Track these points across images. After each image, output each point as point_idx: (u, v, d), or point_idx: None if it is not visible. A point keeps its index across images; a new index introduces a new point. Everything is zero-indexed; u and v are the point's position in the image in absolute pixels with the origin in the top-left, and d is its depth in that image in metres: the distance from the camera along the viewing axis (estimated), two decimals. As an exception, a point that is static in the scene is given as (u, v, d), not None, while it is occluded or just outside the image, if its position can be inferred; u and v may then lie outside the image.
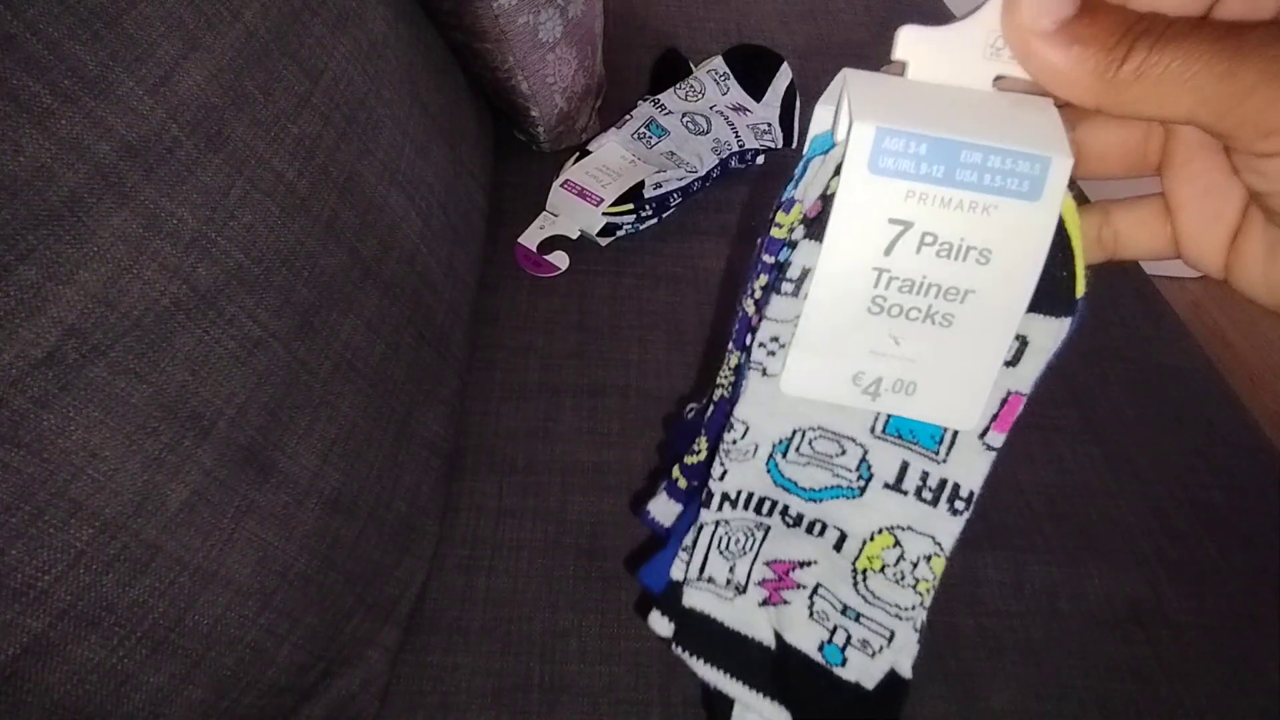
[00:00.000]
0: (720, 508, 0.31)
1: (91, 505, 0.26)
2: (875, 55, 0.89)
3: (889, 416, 0.27)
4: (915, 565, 0.28)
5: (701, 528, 0.31)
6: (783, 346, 0.26)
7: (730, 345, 0.29)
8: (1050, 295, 0.23)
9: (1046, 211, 0.21)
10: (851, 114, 0.21)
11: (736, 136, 0.70)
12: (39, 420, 0.25)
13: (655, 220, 0.66)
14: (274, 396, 0.34)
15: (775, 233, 0.25)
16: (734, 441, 0.29)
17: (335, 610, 0.38)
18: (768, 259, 0.25)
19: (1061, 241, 0.22)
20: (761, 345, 0.26)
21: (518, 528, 0.48)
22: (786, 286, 0.24)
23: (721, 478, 0.30)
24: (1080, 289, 0.23)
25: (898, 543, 0.29)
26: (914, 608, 0.29)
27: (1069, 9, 0.19)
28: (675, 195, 0.65)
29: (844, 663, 0.30)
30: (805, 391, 0.26)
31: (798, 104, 0.74)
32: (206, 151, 0.31)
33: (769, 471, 0.29)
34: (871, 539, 0.29)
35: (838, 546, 0.30)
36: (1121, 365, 0.61)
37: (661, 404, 0.55)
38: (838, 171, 0.22)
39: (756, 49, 0.76)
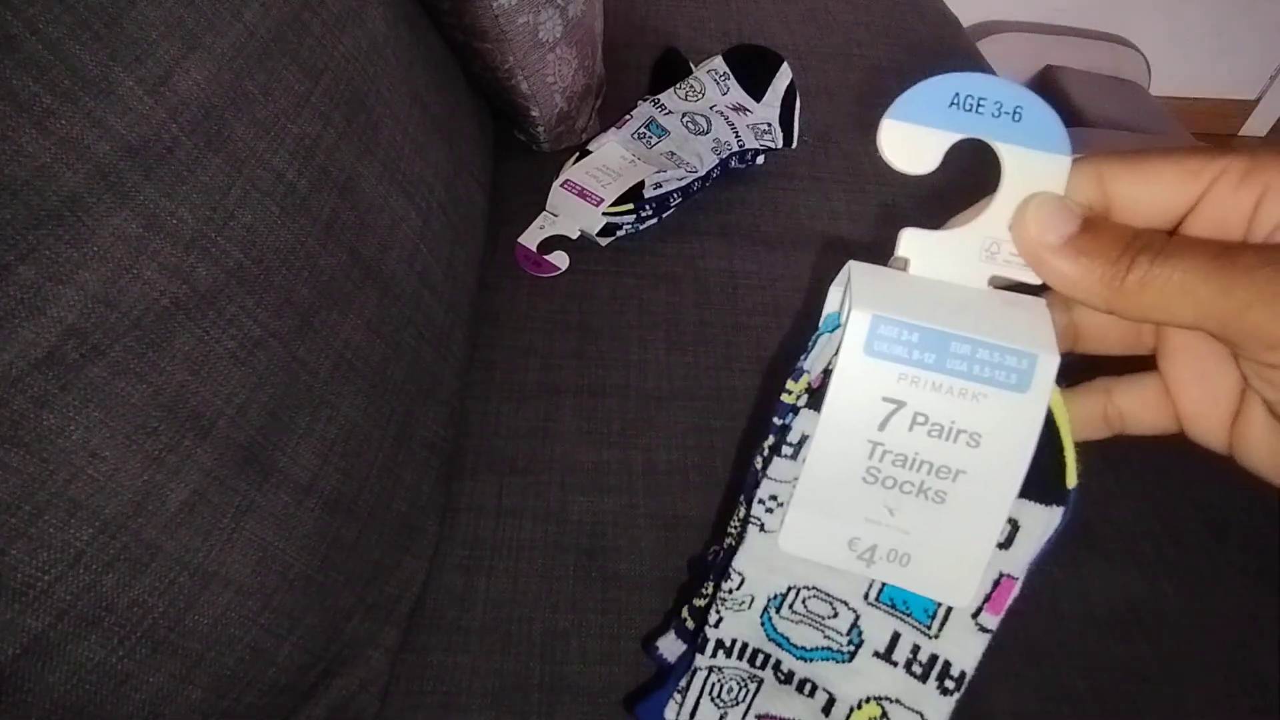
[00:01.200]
0: (714, 654, 0.32)
1: (91, 505, 0.26)
2: (876, 56, 0.89)
3: (883, 585, 0.28)
4: None
5: (695, 672, 0.33)
6: (781, 505, 0.27)
7: (741, 497, 0.30)
8: (1041, 484, 0.24)
9: (1035, 403, 0.22)
10: (851, 302, 0.23)
11: (736, 136, 0.70)
12: (39, 420, 0.25)
13: (655, 220, 0.66)
14: (274, 396, 0.34)
15: (785, 398, 0.26)
16: (730, 591, 0.30)
17: (335, 610, 0.38)
18: (777, 421, 0.26)
19: (1050, 434, 0.23)
20: (761, 502, 0.27)
21: (518, 528, 0.48)
22: (787, 450, 0.26)
23: (716, 624, 0.31)
24: (1071, 480, 0.24)
25: (885, 714, 0.29)
26: None
27: (1073, 226, 0.21)
28: (675, 195, 0.65)
29: None
30: (801, 551, 0.26)
31: (798, 104, 0.74)
32: (206, 151, 0.31)
33: (763, 625, 0.30)
34: (859, 706, 0.29)
35: (826, 710, 0.30)
36: (1122, 365, 0.61)
37: (661, 404, 0.55)
38: (837, 356, 0.23)
39: (756, 49, 0.76)
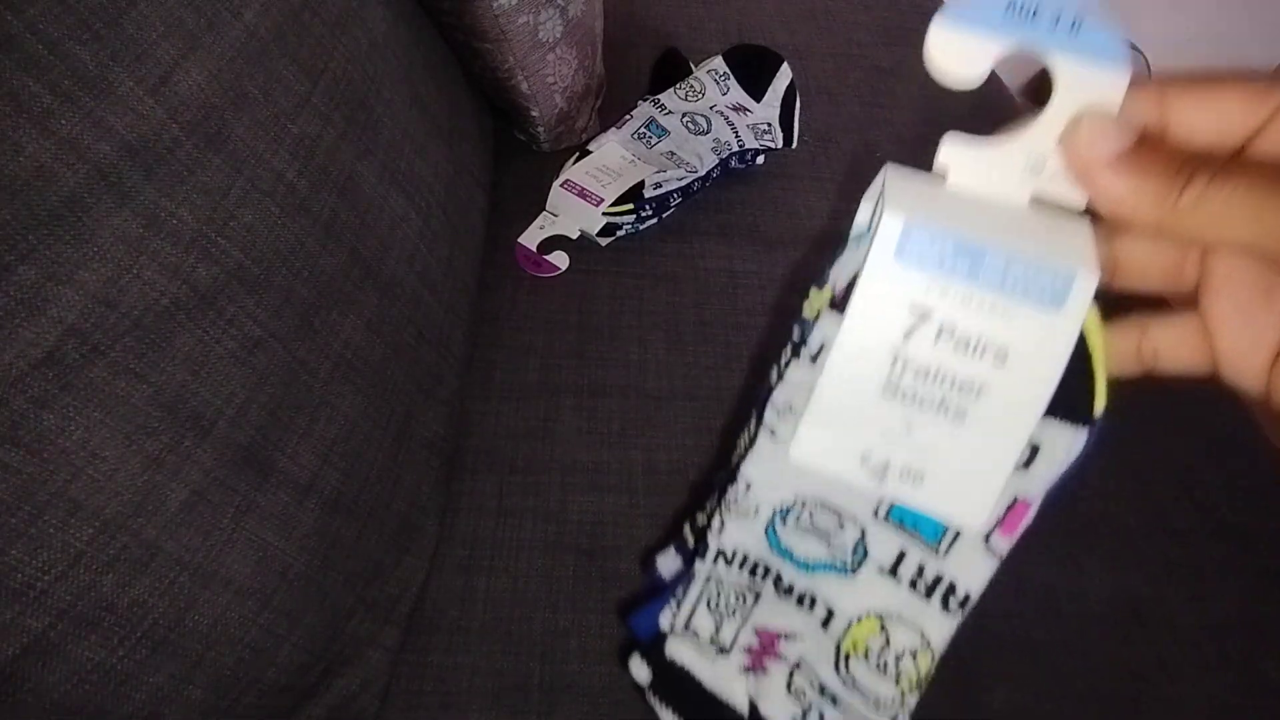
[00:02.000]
0: (715, 562, 0.31)
1: (91, 505, 0.26)
2: (876, 56, 0.89)
3: (893, 502, 0.27)
4: (899, 658, 0.28)
5: (694, 579, 0.32)
6: (794, 412, 0.26)
7: (753, 410, 0.29)
8: (1067, 405, 0.23)
9: (1069, 322, 0.21)
10: (884, 205, 0.22)
11: (736, 136, 0.70)
12: (39, 420, 0.25)
13: (655, 220, 0.66)
14: (274, 396, 0.34)
15: (806, 310, 0.25)
16: (736, 498, 0.29)
17: (335, 610, 0.38)
18: (795, 334, 0.26)
19: (1082, 355, 0.22)
20: (774, 407, 0.27)
21: (518, 528, 0.48)
22: (805, 355, 0.25)
23: (720, 531, 0.30)
24: (1099, 406, 0.23)
25: (884, 629, 0.28)
26: (893, 702, 0.29)
27: (1127, 141, 0.20)
28: (675, 195, 0.65)
29: None
30: (812, 462, 0.26)
31: (798, 104, 0.74)
32: (206, 151, 0.31)
33: (767, 535, 0.30)
34: (859, 621, 0.29)
35: (825, 624, 0.30)
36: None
37: (661, 404, 0.55)
38: (866, 259, 0.22)
39: (756, 49, 0.76)
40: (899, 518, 0.27)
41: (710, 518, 0.31)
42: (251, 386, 0.33)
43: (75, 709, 0.26)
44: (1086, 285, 0.21)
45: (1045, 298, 0.21)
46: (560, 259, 0.63)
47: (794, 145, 0.73)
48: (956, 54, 0.22)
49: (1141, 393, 0.60)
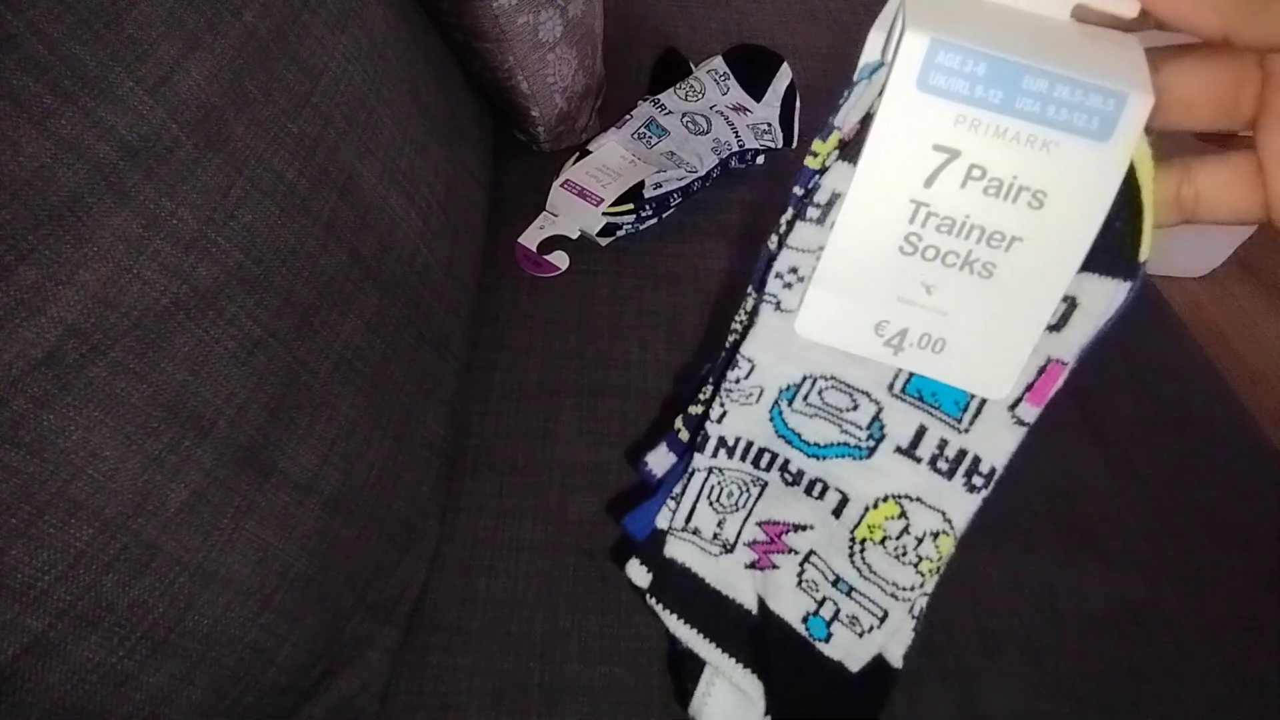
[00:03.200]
0: (715, 454, 0.28)
1: (91, 505, 0.26)
2: (875, 55, 0.89)
3: (910, 375, 0.25)
4: (920, 541, 0.26)
5: (693, 474, 0.29)
6: (801, 280, 0.23)
7: (749, 288, 0.26)
8: (1109, 252, 0.20)
9: (1117, 155, 0.19)
10: (905, 23, 0.19)
11: (736, 136, 0.70)
12: (39, 420, 0.25)
13: (655, 220, 0.66)
14: (274, 396, 0.34)
15: (809, 162, 0.22)
16: (737, 381, 0.26)
17: (335, 610, 0.38)
18: (797, 191, 0.23)
19: (1129, 192, 0.20)
20: (779, 276, 0.23)
21: (518, 528, 0.48)
22: (812, 212, 0.22)
23: (720, 419, 0.27)
24: (1145, 251, 0.20)
25: (903, 513, 0.26)
26: (913, 589, 0.27)
27: None
28: (675, 195, 0.65)
29: (828, 638, 0.28)
30: (821, 336, 0.23)
31: (798, 104, 0.74)
32: (206, 151, 0.31)
33: (772, 419, 0.27)
34: (875, 506, 0.27)
35: (837, 512, 0.27)
36: (1122, 365, 0.61)
37: (662, 404, 0.55)
38: (883, 93, 0.20)
39: (756, 49, 0.76)
40: (916, 391, 0.25)
41: (708, 405, 0.28)
42: (251, 386, 0.33)
43: (75, 709, 0.26)
44: (1139, 111, 0.18)
45: (1093, 126, 0.18)
46: (560, 259, 0.63)
47: (794, 145, 0.73)
48: None
49: (1142, 395, 0.60)
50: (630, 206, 0.63)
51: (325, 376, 0.37)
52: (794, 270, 0.23)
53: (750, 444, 0.28)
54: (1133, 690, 0.45)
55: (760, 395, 0.27)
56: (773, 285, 0.24)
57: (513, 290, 0.61)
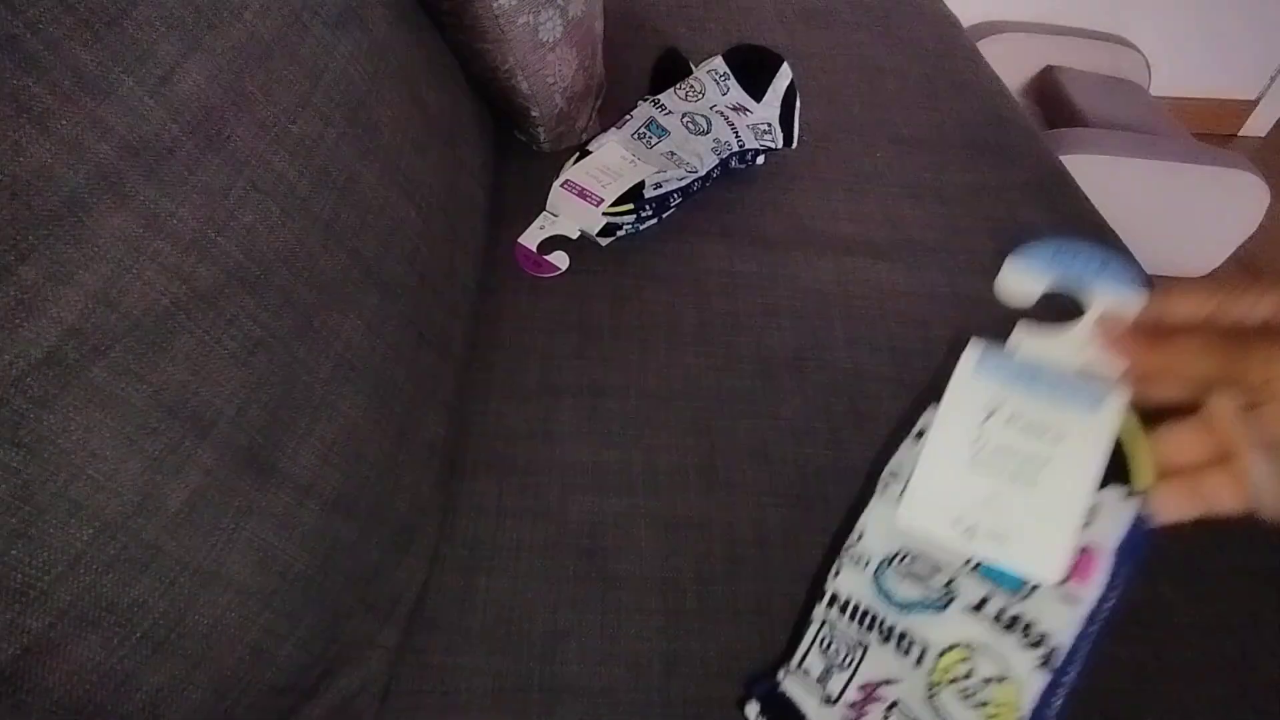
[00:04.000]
0: (830, 606, 0.38)
1: (91, 505, 0.26)
2: (876, 56, 0.89)
3: (980, 561, 0.33)
4: (986, 683, 0.32)
5: (809, 623, 0.38)
6: (898, 479, 0.34)
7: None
8: (1117, 479, 0.30)
9: (1105, 421, 0.29)
10: (970, 348, 0.31)
11: (736, 136, 0.70)
12: (39, 420, 0.25)
13: (655, 220, 0.66)
14: (274, 397, 0.34)
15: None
16: (849, 546, 0.37)
17: (335, 610, 0.38)
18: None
19: (1119, 452, 0.29)
20: (892, 471, 0.35)
21: (518, 528, 0.48)
22: (911, 439, 0.33)
23: (836, 574, 0.37)
24: (1140, 482, 0.30)
25: (969, 658, 0.32)
26: None
27: (1137, 329, 0.29)
28: (675, 195, 0.65)
29: None
30: (915, 525, 0.32)
31: (797, 104, 0.74)
32: (206, 151, 0.31)
33: (874, 580, 0.36)
34: (946, 651, 0.33)
35: (918, 661, 0.34)
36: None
37: (661, 404, 0.55)
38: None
39: (756, 49, 0.76)
40: (986, 573, 0.33)
41: (833, 565, 0.38)
42: (252, 387, 0.33)
43: (75, 709, 0.26)
44: (1118, 396, 0.29)
45: (1086, 404, 0.29)
46: (560, 259, 0.63)
47: (794, 145, 0.73)
48: (1018, 284, 0.32)
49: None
50: (630, 207, 0.63)
51: (325, 377, 0.37)
52: (894, 474, 0.35)
53: (857, 606, 0.36)
54: (1133, 690, 0.45)
55: (868, 564, 0.36)
56: (884, 476, 0.35)
57: (513, 290, 0.61)
